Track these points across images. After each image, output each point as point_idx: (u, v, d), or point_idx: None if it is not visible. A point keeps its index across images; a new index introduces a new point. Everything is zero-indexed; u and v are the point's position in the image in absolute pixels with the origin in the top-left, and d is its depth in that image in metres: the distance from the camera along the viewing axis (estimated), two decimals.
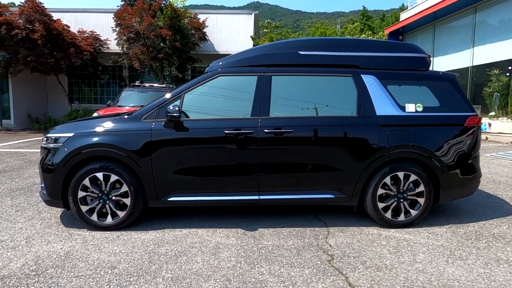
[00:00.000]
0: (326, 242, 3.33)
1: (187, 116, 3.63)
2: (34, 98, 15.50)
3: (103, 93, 17.24)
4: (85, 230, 3.57)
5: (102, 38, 14.69)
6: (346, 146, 3.57)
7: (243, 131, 3.49)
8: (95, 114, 8.04)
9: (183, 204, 3.67)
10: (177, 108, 3.37)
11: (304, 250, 3.16)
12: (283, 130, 3.51)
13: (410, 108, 3.66)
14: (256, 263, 2.92)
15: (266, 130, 3.50)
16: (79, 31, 14.19)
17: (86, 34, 14.30)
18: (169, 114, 3.38)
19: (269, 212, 4.09)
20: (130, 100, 9.08)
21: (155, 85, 10.36)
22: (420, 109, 3.66)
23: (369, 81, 3.69)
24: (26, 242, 3.28)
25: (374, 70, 3.75)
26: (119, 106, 8.75)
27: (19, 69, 12.68)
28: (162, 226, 3.69)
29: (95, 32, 14.59)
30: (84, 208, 3.52)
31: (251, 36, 15.83)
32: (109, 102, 9.90)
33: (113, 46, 14.76)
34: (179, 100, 3.58)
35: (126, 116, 3.67)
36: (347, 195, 3.64)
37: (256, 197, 3.60)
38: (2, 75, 13.17)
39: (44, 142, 3.67)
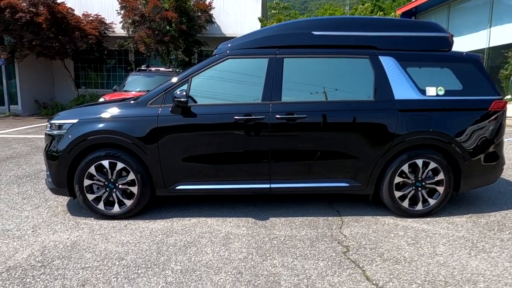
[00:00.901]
0: (340, 233, 3.20)
1: (195, 101, 3.46)
2: (41, 84, 15.43)
3: (109, 78, 17.09)
4: (92, 219, 3.48)
5: (107, 22, 14.43)
6: (362, 133, 3.38)
7: (253, 117, 3.32)
8: (101, 99, 7.92)
9: (191, 193, 3.56)
10: (184, 93, 3.20)
11: (317, 241, 3.03)
12: (295, 116, 3.33)
13: (431, 91, 3.44)
14: (268, 255, 2.80)
15: (278, 116, 3.32)
16: (83, 15, 13.95)
17: (91, 18, 14.05)
18: (176, 99, 3.22)
19: (280, 201, 3.96)
20: (136, 84, 8.92)
21: (162, 69, 10.17)
22: (441, 92, 3.44)
23: (388, 62, 3.46)
24: (33, 231, 3.21)
25: (393, 51, 3.51)
26: (125, 91, 8.61)
27: (25, 54, 12.55)
28: (171, 215, 3.59)
29: (100, 15, 14.33)
30: (90, 197, 3.42)
31: (258, 18, 15.43)
32: (115, 87, 9.77)
33: (119, 29, 14.50)
34: (186, 85, 3.41)
35: (131, 102, 3.52)
36: (363, 183, 3.48)
37: (267, 186, 3.46)
38: (9, 61, 13.05)
39: (48, 129, 3.56)
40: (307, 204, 3.89)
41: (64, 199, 4.02)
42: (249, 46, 3.58)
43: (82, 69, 16.85)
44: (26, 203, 3.91)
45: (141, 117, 3.35)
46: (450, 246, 2.93)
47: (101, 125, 3.33)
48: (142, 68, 9.94)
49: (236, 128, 3.35)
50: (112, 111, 3.41)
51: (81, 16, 13.74)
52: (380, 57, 3.48)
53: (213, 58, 3.54)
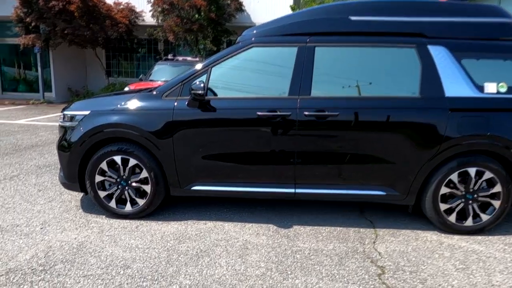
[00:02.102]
0: (374, 249, 2.79)
1: (215, 94, 3.14)
2: (74, 72, 15.74)
3: (139, 67, 17.18)
4: (103, 217, 3.28)
5: (137, 10, 14.39)
6: (404, 134, 2.92)
7: (278, 113, 2.95)
8: (126, 89, 7.81)
9: (208, 194, 3.26)
10: (202, 85, 2.88)
11: (347, 258, 2.64)
12: (327, 113, 2.92)
13: (490, 88, 2.90)
14: (289, 272, 2.45)
15: (306, 113, 2.93)
16: (114, 3, 13.96)
17: (122, 6, 14.04)
18: (193, 92, 2.90)
19: (305, 206, 3.58)
20: (162, 74, 8.74)
21: (188, 58, 9.95)
22: (503, 89, 2.90)
23: (438, 53, 2.96)
24: (41, 228, 3.04)
25: (445, 39, 2.99)
26: (151, 80, 8.45)
27: (58, 42, 12.76)
28: (186, 217, 3.31)
29: (130, 3, 14.31)
30: (102, 194, 3.21)
31: (290, 6, 14.83)
32: (141, 76, 9.67)
33: (148, 18, 14.43)
34: (205, 75, 3.08)
35: (146, 93, 3.25)
36: (402, 192, 3.03)
37: (292, 190, 3.10)
38: (43, 49, 13.34)
39: (61, 120, 3.37)
40: (336, 211, 3.48)
41: (79, 194, 3.85)
42: (276, 33, 3.18)
43: (113, 58, 17.03)
44: (40, 195, 3.78)
45: (156, 110, 3.07)
46: (510, 274, 2.45)
47: (114, 118, 3.09)
48: (169, 57, 9.76)
49: (259, 125, 2.99)
50: (126, 103, 3.15)
51: (112, 4, 13.78)
52: (429, 47, 2.97)
53: (236, 46, 3.18)
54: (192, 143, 3.05)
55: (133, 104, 3.13)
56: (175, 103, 3.06)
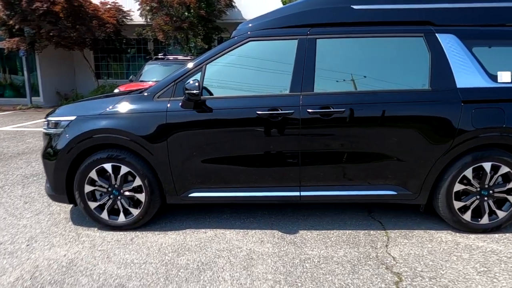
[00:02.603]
0: (387, 253, 2.61)
1: (210, 93, 2.92)
2: (62, 75, 15.34)
3: (129, 68, 16.82)
4: (95, 229, 3.05)
5: (125, 9, 14.03)
6: (415, 130, 2.74)
7: (280, 112, 2.74)
8: (116, 91, 7.54)
9: (207, 201, 3.06)
10: (196, 84, 2.66)
11: (360, 265, 2.46)
12: (332, 110, 2.73)
13: (505, 77, 2.73)
14: (300, 285, 2.26)
15: (310, 110, 2.73)
16: (101, 2, 13.57)
17: (109, 5, 13.66)
18: (187, 92, 2.68)
19: (310, 208, 3.39)
20: (153, 74, 8.47)
21: (180, 57, 9.67)
22: None
23: (447, 42, 2.77)
24: (27, 245, 2.80)
25: (454, 27, 2.81)
26: (142, 81, 8.18)
27: (44, 45, 12.37)
28: (184, 226, 3.10)
29: (117, 2, 13.94)
30: (92, 205, 2.98)
31: (282, 1, 14.59)
32: (131, 77, 9.37)
33: (137, 17, 14.07)
34: (199, 73, 2.86)
35: (137, 95, 3.02)
36: (414, 191, 2.85)
37: (297, 194, 2.90)
38: (29, 52, 12.94)
39: (45, 127, 3.12)
40: (343, 212, 3.30)
41: (68, 205, 3.61)
42: (274, 26, 2.97)
43: (102, 59, 16.64)
44: (27, 208, 3.54)
45: (148, 112, 2.84)
46: None
47: (102, 123, 2.85)
48: (159, 56, 9.48)
49: (259, 125, 2.79)
50: (115, 106, 2.91)
51: (98, 4, 13.40)
52: (438, 35, 2.79)
53: (232, 41, 2.96)
54: (188, 147, 2.84)
55: (123, 107, 2.90)
56: (168, 105, 2.83)
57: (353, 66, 2.89)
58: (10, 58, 14.75)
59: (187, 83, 2.70)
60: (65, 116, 2.99)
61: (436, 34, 2.79)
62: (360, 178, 2.87)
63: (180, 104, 2.81)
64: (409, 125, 2.75)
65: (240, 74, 2.96)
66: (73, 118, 2.92)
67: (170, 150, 2.82)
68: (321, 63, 2.82)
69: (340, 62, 2.91)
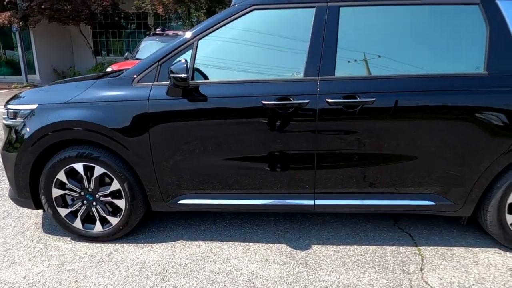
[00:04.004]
0: (423, 281, 2.08)
1: (205, 77, 2.33)
2: (59, 51, 14.67)
3: (129, 44, 16.05)
4: (68, 239, 2.56)
5: None
6: (464, 126, 2.14)
7: (291, 102, 2.16)
8: (109, 69, 6.93)
9: (201, 209, 2.53)
10: (184, 65, 2.07)
11: None
12: (358, 100, 2.13)
13: None
14: None
15: (330, 100, 2.14)
16: None
17: None
18: (172, 75, 2.10)
19: (324, 214, 2.86)
20: (150, 51, 7.73)
21: (180, 33, 8.94)
22: None
23: None
24: None
25: None
26: (137, 59, 7.53)
27: (37, 19, 11.66)
28: (174, 236, 2.59)
29: None
30: (63, 211, 2.47)
31: None
32: (126, 54, 8.70)
33: None
34: (189, 51, 2.26)
35: (112, 78, 2.43)
36: (457, 201, 2.29)
37: (310, 202, 2.35)
38: (23, 28, 12.23)
39: (5, 117, 2.57)
40: (363, 220, 2.76)
41: None
42: None
43: (100, 35, 15.88)
44: None
45: (124, 101, 2.27)
46: None
47: (68, 114, 2.29)
48: (157, 32, 8.77)
49: (265, 118, 2.21)
50: (85, 93, 2.34)
51: None
52: (500, 2, 2.14)
53: (231, 10, 2.33)
54: (176, 143, 2.28)
55: (94, 93, 2.32)
56: (151, 91, 2.26)
57: (386, 44, 2.27)
58: (5, 34, 14.08)
59: (173, 65, 2.11)
60: (25, 104, 2.43)
61: (497, 1, 2.14)
62: (388, 185, 2.30)
63: (166, 90, 2.24)
64: (455, 120, 2.15)
65: (241, 52, 2.36)
66: (34, 106, 2.37)
67: (154, 147, 2.27)
68: (345, 39, 2.20)
69: (370, 39, 2.28)
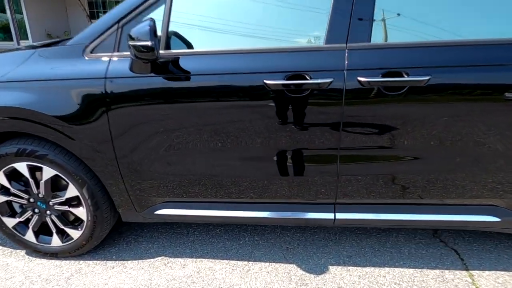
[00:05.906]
0: None
1: (189, 46, 1.67)
2: (53, 14, 13.78)
3: None
4: (23, 255, 2.04)
5: None
6: None
7: (308, 81, 1.50)
8: None
9: (186, 221, 1.96)
10: (148, 27, 1.40)
11: None
12: (406, 79, 1.46)
13: None
14: None
15: (363, 78, 1.47)
16: None
17: None
18: (131, 43, 1.44)
19: None
20: None
21: None
22: None
23: None
24: None
25: None
26: None
27: None
28: (154, 250, 2.06)
29: None
30: (10, 222, 1.93)
31: None
32: None
33: None
34: (162, 6, 1.58)
35: (56, 48, 1.77)
36: None
37: (330, 216, 1.76)
38: None
39: None
40: (394, 229, 2.18)
41: None
42: None
43: None
44: None
45: (73, 79, 1.63)
46: None
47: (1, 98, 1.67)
48: None
49: (269, 102, 1.56)
50: (21, 67, 1.70)
51: None
52: None
53: None
54: (148, 134, 1.67)
55: (32, 69, 1.68)
56: (109, 65, 1.61)
57: (439, 1, 1.55)
58: None
59: (134, 29, 1.44)
60: None
61: None
62: (439, 194, 1.69)
63: (129, 64, 1.59)
64: None
65: (236, 8, 1.67)
66: None
67: (116, 140, 1.66)
68: None
69: None
